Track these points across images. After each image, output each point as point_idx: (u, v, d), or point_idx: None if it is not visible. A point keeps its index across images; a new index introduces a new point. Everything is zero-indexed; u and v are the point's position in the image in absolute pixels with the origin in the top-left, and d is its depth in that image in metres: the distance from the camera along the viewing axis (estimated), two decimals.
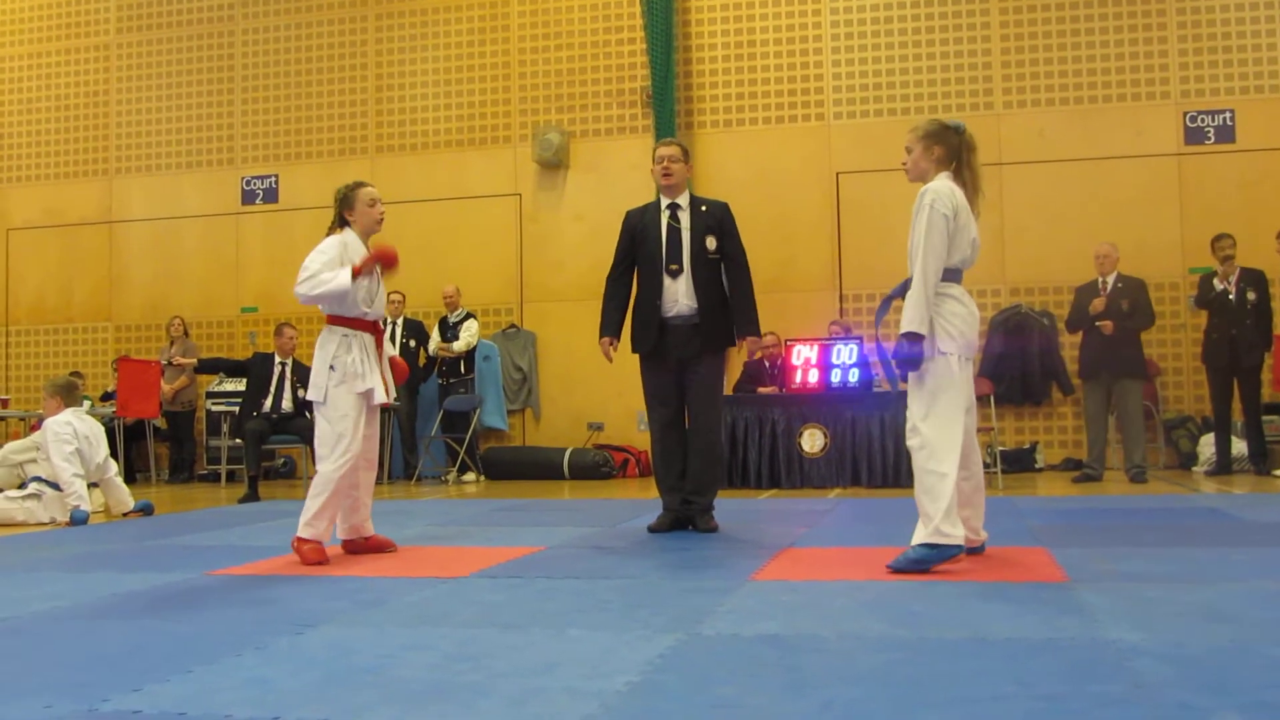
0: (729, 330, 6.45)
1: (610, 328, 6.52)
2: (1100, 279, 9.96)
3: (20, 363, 14.63)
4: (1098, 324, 9.72)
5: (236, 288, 13.93)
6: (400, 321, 11.85)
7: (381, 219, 5.75)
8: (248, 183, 13.94)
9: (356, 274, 5.44)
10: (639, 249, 6.48)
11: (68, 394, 8.51)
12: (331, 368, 5.48)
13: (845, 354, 10.21)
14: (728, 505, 7.36)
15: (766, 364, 11.05)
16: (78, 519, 7.83)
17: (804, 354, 10.31)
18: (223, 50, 14.15)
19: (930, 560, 4.59)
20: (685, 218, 6.41)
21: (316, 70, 13.83)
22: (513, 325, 12.93)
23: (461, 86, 13.39)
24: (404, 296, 12.04)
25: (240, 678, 3.12)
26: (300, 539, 5.45)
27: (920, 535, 4.64)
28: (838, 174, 12.29)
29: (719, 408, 6.65)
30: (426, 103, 13.49)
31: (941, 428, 4.66)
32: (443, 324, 12.24)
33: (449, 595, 4.45)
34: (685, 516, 6.44)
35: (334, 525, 5.58)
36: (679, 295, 6.34)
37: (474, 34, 13.39)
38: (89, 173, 14.50)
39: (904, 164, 5.00)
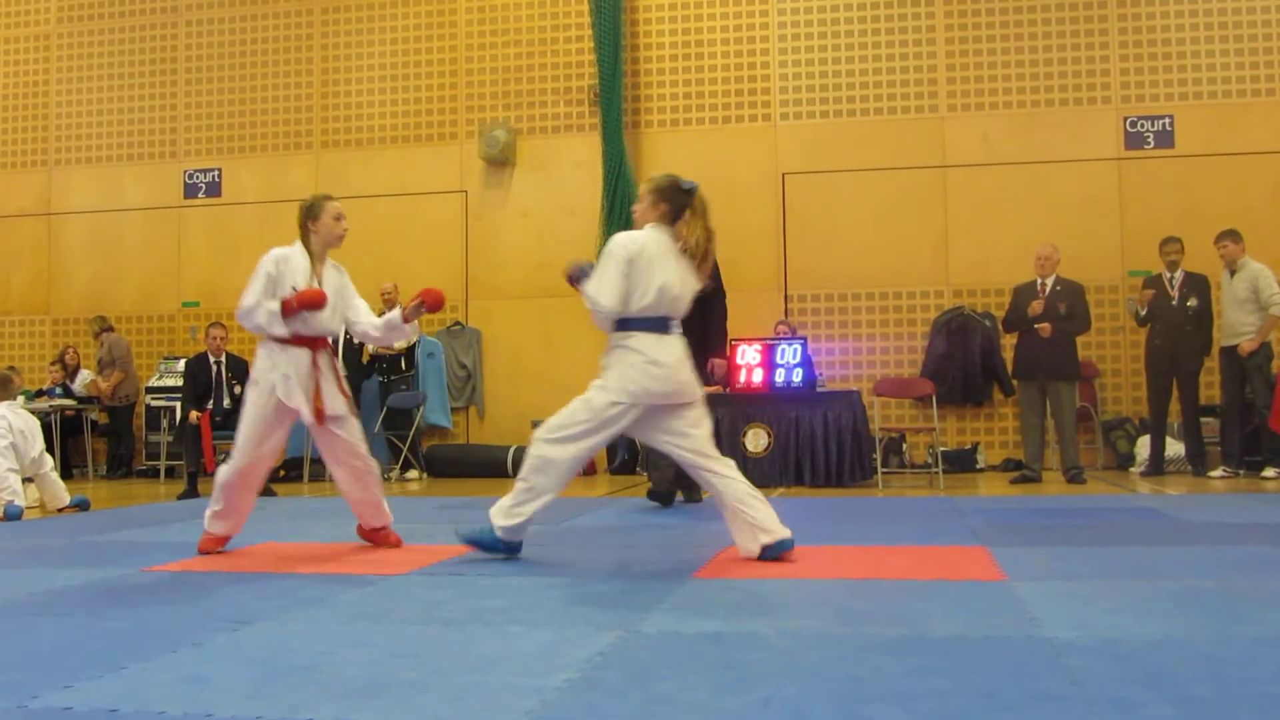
0: (703, 372, 6.95)
1: None
2: (1040, 280, 10.04)
3: None
4: (1036, 326, 9.80)
5: (178, 282, 13.75)
6: None
7: (343, 235, 5.77)
8: (190, 176, 13.77)
9: (287, 312, 5.47)
10: None
11: (2, 388, 8.38)
12: (256, 381, 5.51)
13: (790, 354, 10.24)
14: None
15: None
16: (11, 514, 7.70)
17: (749, 354, 10.33)
18: (166, 42, 13.97)
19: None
20: None
21: (261, 63, 13.68)
22: (458, 323, 12.87)
23: (408, 82, 13.31)
24: None
25: (175, 675, 3.09)
26: (204, 530, 5.65)
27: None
28: (783, 175, 12.33)
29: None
30: (373, 98, 13.39)
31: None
32: None
33: (389, 592, 4.43)
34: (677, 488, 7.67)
35: (228, 522, 5.62)
36: None
37: (421, 29, 13.31)
38: (28, 164, 14.26)
39: (633, 209, 5.30)
